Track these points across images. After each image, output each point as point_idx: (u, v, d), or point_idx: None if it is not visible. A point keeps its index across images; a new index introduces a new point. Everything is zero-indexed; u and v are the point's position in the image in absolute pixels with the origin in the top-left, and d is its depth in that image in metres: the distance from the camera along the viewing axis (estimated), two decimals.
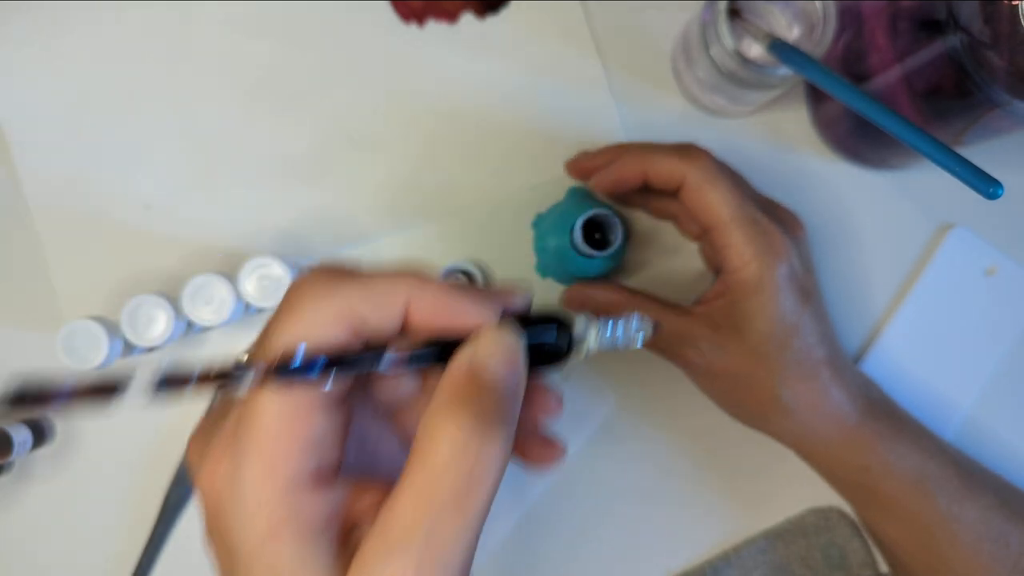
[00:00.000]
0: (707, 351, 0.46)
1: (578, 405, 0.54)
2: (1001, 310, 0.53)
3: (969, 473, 0.46)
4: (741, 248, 0.43)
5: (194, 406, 0.53)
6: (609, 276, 0.53)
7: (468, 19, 0.54)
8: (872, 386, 0.49)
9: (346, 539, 0.27)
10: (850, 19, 0.50)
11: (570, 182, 0.54)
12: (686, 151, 0.44)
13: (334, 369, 0.27)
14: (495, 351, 0.28)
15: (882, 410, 0.47)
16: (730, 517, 0.54)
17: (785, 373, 0.45)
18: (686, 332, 0.46)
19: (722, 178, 0.43)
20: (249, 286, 0.47)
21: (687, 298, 0.54)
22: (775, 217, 0.45)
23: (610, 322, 0.32)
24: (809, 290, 0.45)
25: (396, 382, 0.32)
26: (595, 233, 0.48)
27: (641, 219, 0.54)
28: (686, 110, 0.54)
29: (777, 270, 0.43)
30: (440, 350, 0.29)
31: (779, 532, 0.53)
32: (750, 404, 0.47)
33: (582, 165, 0.49)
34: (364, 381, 0.31)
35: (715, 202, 0.43)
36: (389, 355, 0.28)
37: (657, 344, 0.47)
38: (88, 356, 0.46)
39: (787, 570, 0.53)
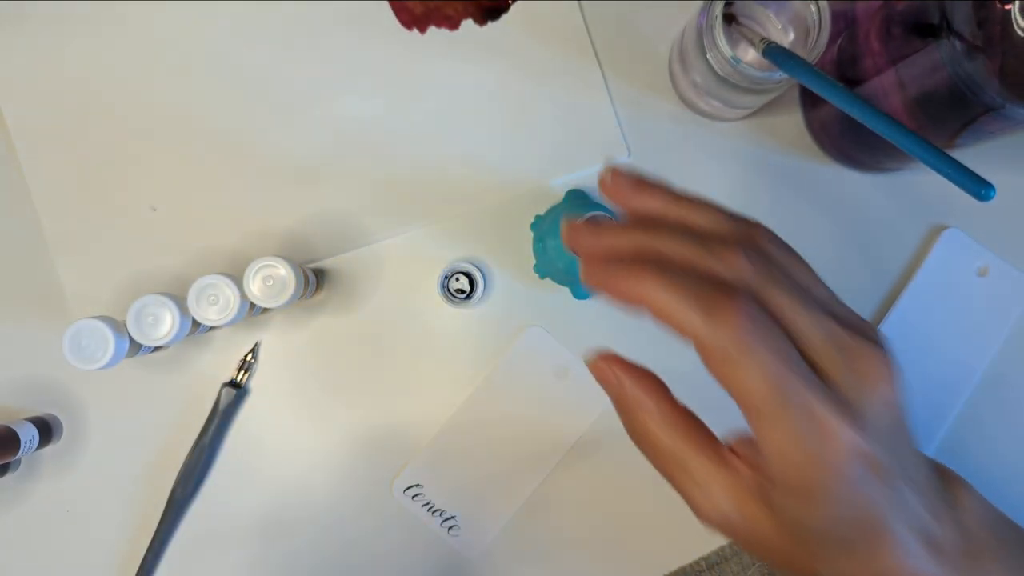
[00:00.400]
0: (732, 515, 0.32)
1: (578, 396, 0.54)
2: (993, 310, 0.54)
3: None
4: (782, 447, 0.30)
5: (197, 404, 0.54)
6: None
7: (468, 26, 0.54)
8: (959, 499, 0.34)
9: None
10: (844, 23, 0.51)
11: (569, 183, 0.54)
12: (711, 299, 0.29)
13: None
14: None
15: (964, 550, 0.33)
16: None
17: (835, 558, 0.31)
18: (711, 486, 0.33)
19: (757, 347, 0.29)
20: (254, 286, 0.47)
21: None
22: (849, 369, 0.31)
23: None
24: (890, 468, 0.30)
25: None
26: None
27: None
28: (682, 113, 0.55)
29: (834, 474, 0.29)
30: None
31: None
32: (774, 565, 0.33)
33: (580, 241, 0.35)
34: None
35: (745, 383, 0.29)
36: None
37: (674, 483, 0.34)
38: (95, 355, 0.46)
39: None
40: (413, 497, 0.54)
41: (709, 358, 0.30)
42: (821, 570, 0.32)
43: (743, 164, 0.55)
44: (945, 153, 0.36)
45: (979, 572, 0.32)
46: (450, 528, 0.54)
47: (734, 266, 0.31)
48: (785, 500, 0.31)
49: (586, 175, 0.54)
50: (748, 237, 0.32)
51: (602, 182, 0.35)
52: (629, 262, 0.32)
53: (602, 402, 0.54)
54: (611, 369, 0.34)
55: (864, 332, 0.32)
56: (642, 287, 0.31)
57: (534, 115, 0.54)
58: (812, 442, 0.29)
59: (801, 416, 0.29)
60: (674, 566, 0.54)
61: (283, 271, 0.47)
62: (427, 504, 0.54)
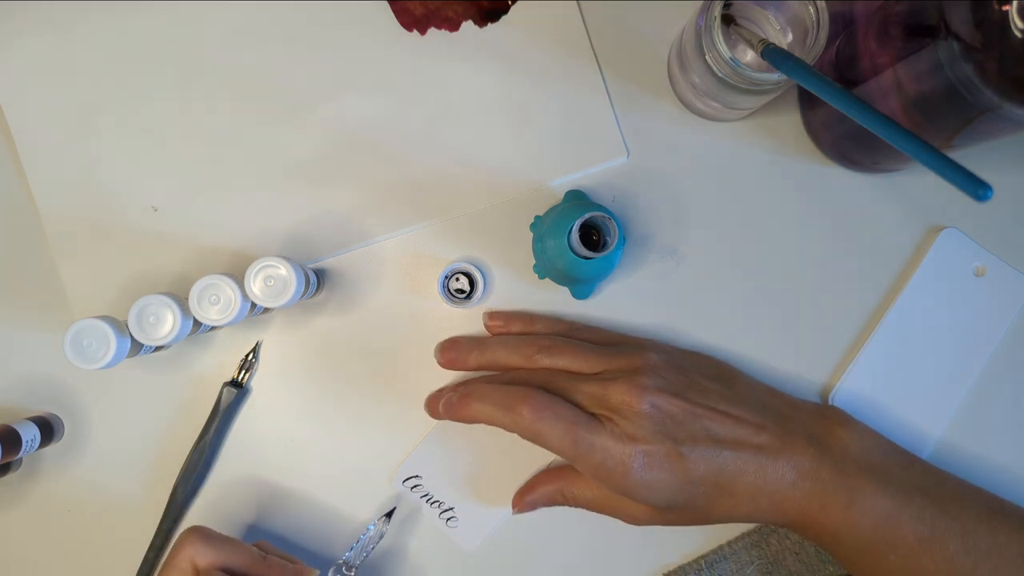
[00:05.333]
0: (623, 513, 0.49)
1: None
2: (991, 308, 0.54)
3: (932, 522, 0.45)
4: (591, 471, 0.46)
5: (198, 404, 0.54)
6: (605, 277, 0.54)
7: (468, 27, 0.54)
8: (833, 433, 0.48)
9: None
10: (842, 24, 0.51)
11: (569, 184, 0.55)
12: (509, 403, 0.46)
13: None
14: None
15: (834, 469, 0.46)
16: None
17: (705, 510, 0.47)
18: (602, 504, 0.50)
19: (543, 424, 0.45)
20: (255, 286, 0.48)
21: (684, 297, 0.54)
22: (606, 407, 0.46)
23: (352, 547, 0.50)
24: (682, 439, 0.46)
25: None
26: (592, 235, 0.49)
27: (637, 222, 0.55)
28: (681, 114, 0.55)
29: (627, 471, 0.45)
30: None
31: (773, 527, 0.54)
32: (683, 524, 0.49)
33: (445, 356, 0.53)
34: None
35: (549, 444, 0.46)
36: None
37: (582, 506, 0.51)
38: (96, 355, 0.46)
39: (780, 564, 0.53)
40: (412, 488, 0.54)
41: (523, 437, 0.46)
42: (711, 517, 0.48)
43: (741, 165, 0.55)
44: (943, 154, 0.36)
45: (847, 482, 0.46)
46: (448, 520, 0.54)
47: (533, 368, 0.50)
48: (630, 501, 0.47)
49: (585, 176, 0.55)
50: (543, 346, 0.50)
51: (487, 326, 0.54)
52: (460, 394, 0.49)
53: None
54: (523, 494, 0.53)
55: (615, 375, 0.47)
56: (468, 408, 0.48)
57: (534, 116, 0.54)
58: (601, 460, 0.45)
59: (588, 448, 0.45)
60: (673, 564, 0.54)
61: (284, 271, 0.48)
62: (426, 495, 0.54)
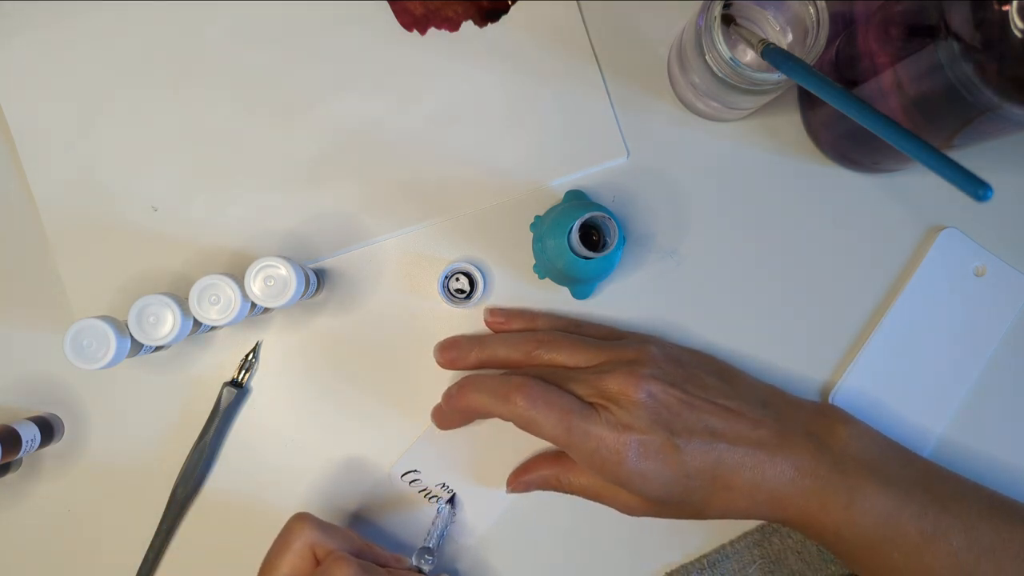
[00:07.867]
0: (618, 503, 0.49)
1: None
2: (991, 308, 0.54)
3: (934, 518, 0.45)
4: (584, 459, 0.46)
5: (198, 404, 0.54)
6: (605, 277, 0.54)
7: (468, 27, 0.54)
8: (833, 431, 0.48)
9: None
10: (842, 24, 0.51)
11: (569, 184, 0.55)
12: (504, 392, 0.46)
13: None
14: None
15: (834, 467, 0.46)
16: None
17: (701, 504, 0.47)
18: (597, 493, 0.49)
19: (537, 413, 0.45)
20: (255, 286, 0.48)
21: (684, 297, 0.54)
22: (603, 396, 0.46)
23: (432, 534, 0.51)
24: (678, 431, 0.45)
25: None
26: (592, 235, 0.49)
27: (637, 222, 0.55)
28: (681, 114, 0.55)
29: (619, 460, 0.45)
30: None
31: (775, 526, 0.54)
32: (679, 517, 0.49)
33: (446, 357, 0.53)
34: None
35: (543, 432, 0.46)
36: None
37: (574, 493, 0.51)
38: (96, 355, 0.46)
39: (782, 563, 0.53)
40: (411, 483, 0.54)
41: (518, 425, 0.46)
42: (705, 512, 0.47)
43: (741, 165, 0.55)
44: (943, 154, 0.36)
45: (847, 481, 0.46)
46: None
47: (533, 364, 0.50)
48: (625, 491, 0.47)
49: (585, 176, 0.55)
50: (542, 341, 0.50)
51: (487, 323, 0.54)
52: (459, 385, 0.49)
53: None
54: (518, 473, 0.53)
55: (613, 366, 0.47)
56: (465, 398, 0.48)
57: (534, 116, 0.54)
58: (595, 448, 0.45)
59: (582, 436, 0.45)
60: (675, 563, 0.54)
61: (284, 271, 0.48)
62: (424, 490, 0.54)
